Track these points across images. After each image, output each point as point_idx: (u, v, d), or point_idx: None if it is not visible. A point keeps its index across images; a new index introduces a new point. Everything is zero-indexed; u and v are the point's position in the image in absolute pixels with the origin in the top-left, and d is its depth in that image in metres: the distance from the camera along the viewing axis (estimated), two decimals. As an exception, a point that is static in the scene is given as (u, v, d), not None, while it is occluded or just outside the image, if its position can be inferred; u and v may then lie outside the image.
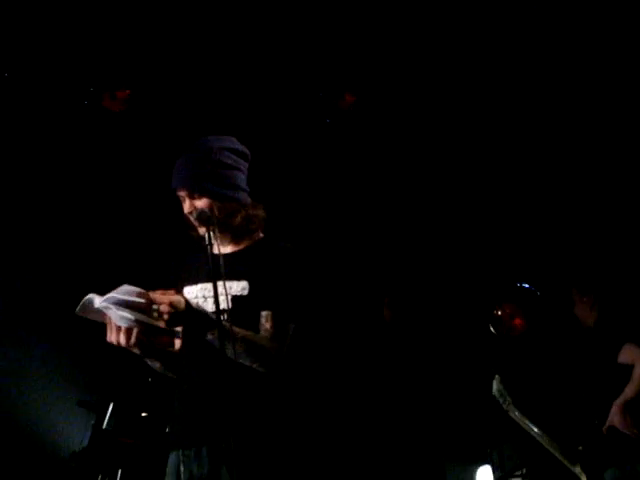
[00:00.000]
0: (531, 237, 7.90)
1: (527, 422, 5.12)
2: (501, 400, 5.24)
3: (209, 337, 3.05)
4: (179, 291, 3.22)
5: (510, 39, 6.67)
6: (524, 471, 7.39)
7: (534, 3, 6.28)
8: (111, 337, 3.03)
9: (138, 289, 2.95)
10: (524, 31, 6.59)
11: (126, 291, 2.93)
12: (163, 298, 2.95)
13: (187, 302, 3.02)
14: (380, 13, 6.56)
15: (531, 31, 6.58)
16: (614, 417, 4.69)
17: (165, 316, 2.93)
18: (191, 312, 3.01)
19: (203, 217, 3.24)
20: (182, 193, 3.37)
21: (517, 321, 7.89)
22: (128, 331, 3.01)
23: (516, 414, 5.17)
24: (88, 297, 2.94)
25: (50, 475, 6.99)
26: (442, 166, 7.78)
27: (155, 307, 2.95)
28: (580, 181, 7.47)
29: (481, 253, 8.14)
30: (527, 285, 7.88)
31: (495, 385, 5.29)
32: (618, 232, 7.32)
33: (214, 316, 3.02)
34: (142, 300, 2.93)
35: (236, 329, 3.05)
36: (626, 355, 4.81)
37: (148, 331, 3.07)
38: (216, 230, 3.21)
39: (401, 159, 7.75)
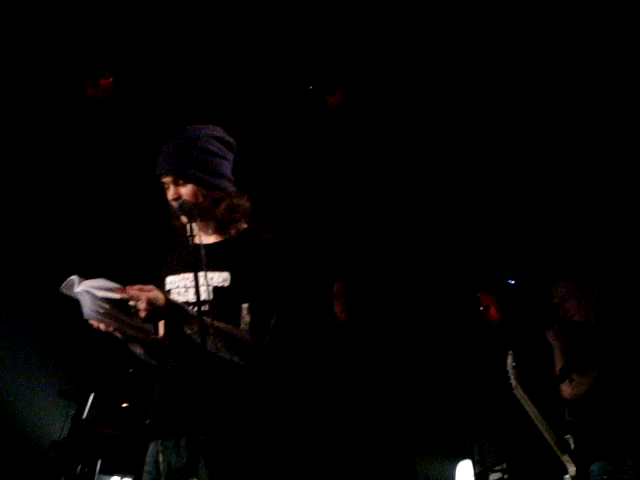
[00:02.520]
0: (508, 230, 7.94)
1: (529, 403, 5.15)
2: (512, 376, 5.28)
3: (188, 332, 3.05)
4: (158, 286, 3.20)
5: (505, 34, 6.68)
6: (504, 466, 7.42)
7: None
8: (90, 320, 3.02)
9: (115, 284, 2.94)
10: (519, 26, 6.60)
11: (103, 286, 2.92)
12: (141, 294, 2.93)
13: (166, 298, 3.01)
14: (373, 9, 6.57)
15: (528, 28, 6.59)
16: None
17: (143, 313, 2.92)
18: (170, 308, 3.01)
19: (185, 208, 3.22)
20: (167, 179, 3.34)
21: (492, 313, 7.92)
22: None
23: (521, 393, 5.20)
24: (72, 278, 2.93)
25: (29, 464, 6.97)
26: (421, 161, 7.80)
27: (132, 303, 2.94)
28: (566, 172, 7.49)
29: (459, 246, 8.17)
30: (509, 280, 7.91)
31: (509, 360, 5.32)
32: (613, 227, 7.36)
33: (194, 311, 3.02)
34: (118, 296, 2.92)
35: (216, 323, 3.03)
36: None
37: (123, 325, 3.05)
38: (198, 221, 3.20)
39: (381, 153, 7.76)
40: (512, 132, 7.48)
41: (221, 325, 3.08)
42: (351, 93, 7.33)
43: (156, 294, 2.97)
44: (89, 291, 2.90)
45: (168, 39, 6.77)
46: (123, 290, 2.94)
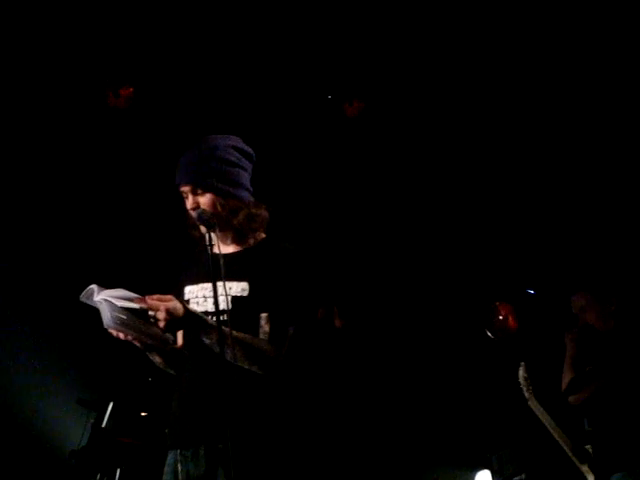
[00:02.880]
0: (521, 240, 7.92)
1: (544, 413, 5.15)
2: (524, 388, 5.27)
3: (207, 341, 3.06)
4: (177, 295, 3.21)
5: (512, 43, 6.68)
6: (523, 476, 7.37)
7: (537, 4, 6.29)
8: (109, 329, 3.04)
9: (134, 294, 2.95)
10: (526, 36, 6.60)
11: (122, 295, 2.93)
12: (160, 304, 2.95)
13: (185, 308, 3.03)
14: (388, 19, 6.58)
15: (535, 36, 6.58)
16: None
17: (162, 323, 2.95)
18: (189, 318, 3.02)
19: (204, 217, 3.22)
20: (185, 189, 3.35)
21: (510, 322, 7.89)
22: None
23: (535, 404, 5.20)
24: (91, 287, 2.95)
25: (49, 473, 7.00)
26: (437, 169, 7.80)
27: (152, 313, 2.96)
28: (579, 183, 7.47)
29: (474, 257, 8.15)
30: (528, 289, 7.88)
31: (521, 372, 5.33)
32: (632, 236, 7.32)
33: (213, 321, 3.03)
34: (137, 306, 2.94)
35: (235, 333, 3.04)
36: None
37: (142, 334, 3.06)
38: (217, 230, 3.21)
39: (398, 164, 7.76)
40: (532, 141, 7.47)
41: (240, 335, 3.08)
42: (369, 103, 7.34)
43: (175, 304, 2.99)
44: (108, 300, 2.91)
45: (188, 50, 6.80)
46: (142, 300, 2.95)
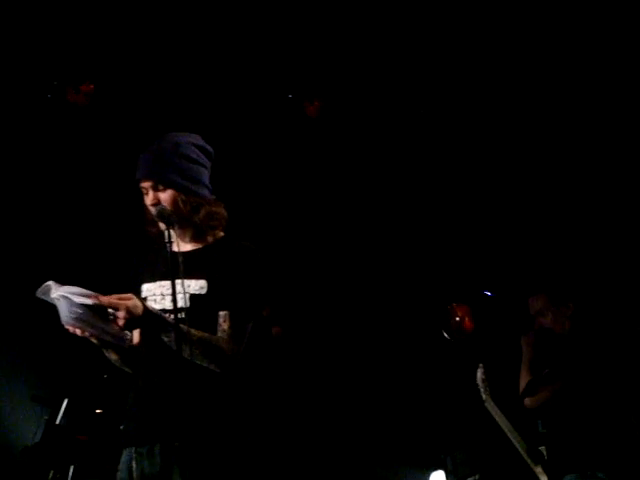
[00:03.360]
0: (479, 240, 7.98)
1: (500, 415, 5.19)
2: (482, 389, 5.31)
3: (165, 339, 3.06)
4: (136, 293, 3.20)
5: (498, 36, 6.70)
6: (477, 477, 7.42)
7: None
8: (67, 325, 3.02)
9: (91, 292, 2.94)
10: (514, 27, 6.62)
11: (80, 292, 2.92)
12: (120, 303, 2.94)
13: (144, 306, 3.02)
14: (354, 15, 6.59)
15: (526, 28, 6.61)
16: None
17: (121, 321, 2.94)
18: (148, 317, 3.01)
19: (164, 214, 3.21)
20: (146, 184, 3.33)
21: (466, 323, 7.94)
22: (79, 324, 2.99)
23: (492, 405, 5.23)
24: (48, 283, 2.92)
25: (1, 470, 6.92)
26: (399, 169, 7.83)
27: (111, 311, 2.95)
28: (543, 183, 7.53)
29: (432, 257, 8.19)
30: (485, 291, 7.93)
31: (479, 373, 5.36)
32: (591, 239, 7.39)
33: (171, 319, 3.02)
34: (96, 302, 2.92)
35: (193, 331, 3.03)
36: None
37: (100, 331, 3.05)
38: (176, 228, 3.20)
39: (358, 163, 7.78)
40: (493, 143, 7.52)
41: (198, 333, 3.08)
42: (330, 102, 7.35)
43: (135, 302, 2.98)
44: (66, 296, 2.90)
45: (148, 47, 6.77)
46: (99, 297, 2.94)
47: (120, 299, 2.97)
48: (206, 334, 3.13)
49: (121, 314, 2.93)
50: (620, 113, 7.02)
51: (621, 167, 7.28)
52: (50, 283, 2.93)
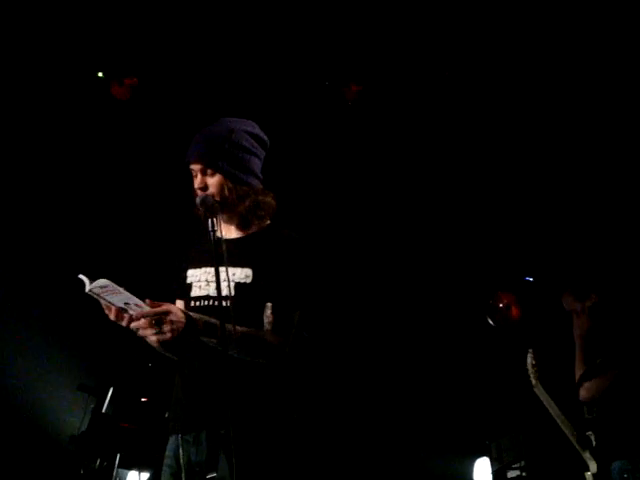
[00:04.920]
0: (524, 228, 7.91)
1: (549, 400, 5.16)
2: (531, 375, 5.28)
3: (210, 344, 3.05)
4: (180, 278, 3.27)
5: (513, 34, 6.67)
6: (522, 463, 7.39)
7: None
8: (111, 316, 3.01)
9: (141, 303, 2.93)
10: (526, 29, 6.59)
11: (128, 297, 2.91)
12: (163, 319, 2.92)
13: (187, 318, 2.98)
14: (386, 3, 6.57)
15: (535, 31, 6.58)
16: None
17: (166, 335, 2.93)
18: (191, 328, 2.99)
19: (207, 204, 3.20)
20: (195, 167, 3.33)
21: (513, 311, 7.88)
22: (118, 315, 2.96)
23: (541, 391, 5.21)
24: (103, 280, 2.88)
25: (49, 458, 7.00)
26: (439, 157, 7.78)
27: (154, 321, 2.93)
28: (580, 173, 7.45)
29: (476, 246, 8.14)
30: (524, 276, 7.87)
31: (529, 359, 5.33)
32: (615, 236, 7.30)
33: (215, 321, 2.99)
34: (146, 309, 2.92)
35: (238, 328, 3.01)
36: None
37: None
38: (221, 215, 3.20)
39: (403, 151, 7.74)
40: (530, 129, 7.45)
41: (242, 330, 3.05)
42: (367, 86, 7.32)
43: (177, 316, 2.95)
44: (120, 291, 2.89)
45: (189, 40, 6.80)
46: (143, 312, 2.93)
47: (162, 311, 2.94)
48: (251, 330, 3.12)
49: (166, 328, 2.91)
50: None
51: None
52: (104, 281, 2.90)
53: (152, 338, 2.98)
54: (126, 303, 2.92)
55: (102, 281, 2.86)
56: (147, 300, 2.93)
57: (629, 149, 7.17)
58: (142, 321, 2.91)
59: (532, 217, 7.89)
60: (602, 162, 7.34)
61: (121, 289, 2.89)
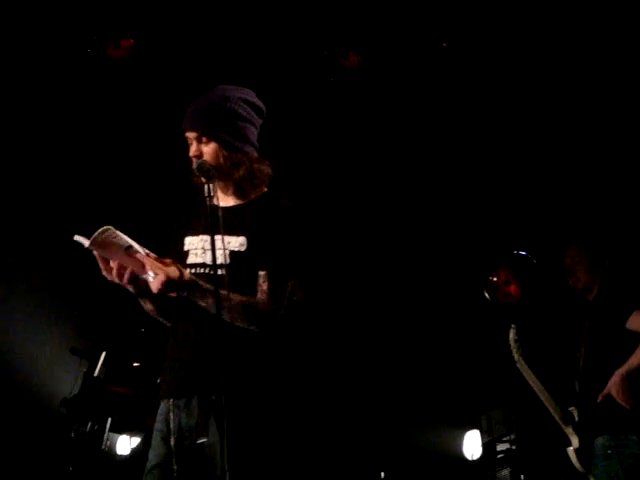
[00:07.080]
0: (525, 204, 7.89)
1: (532, 375, 5.18)
2: (514, 350, 5.30)
3: (203, 304, 3.08)
4: (177, 245, 3.28)
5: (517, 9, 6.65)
6: (512, 436, 7.43)
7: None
8: (105, 273, 3.04)
9: (142, 251, 2.95)
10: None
11: (130, 242, 2.93)
12: (160, 268, 2.96)
13: (182, 274, 3.03)
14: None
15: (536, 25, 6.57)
16: (613, 386, 4.67)
17: (157, 284, 2.95)
18: (185, 284, 3.04)
19: (204, 168, 3.19)
20: (191, 135, 3.32)
21: (512, 287, 7.87)
22: (120, 269, 3.01)
23: (523, 366, 5.23)
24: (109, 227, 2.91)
25: (40, 420, 7.03)
26: (439, 132, 7.75)
27: (151, 273, 2.96)
28: (582, 146, 7.45)
29: (474, 222, 8.13)
30: (523, 252, 7.86)
31: (511, 334, 5.34)
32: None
33: (209, 286, 3.02)
34: (143, 251, 2.94)
35: (232, 295, 3.02)
36: (636, 322, 4.74)
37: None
38: (217, 182, 3.19)
39: (402, 124, 7.71)
40: (529, 106, 7.44)
41: (237, 297, 3.07)
42: (367, 56, 7.28)
43: (174, 269, 3.00)
44: (121, 235, 2.91)
45: (187, 3, 6.75)
46: (145, 259, 2.96)
47: (161, 263, 2.99)
48: (245, 297, 3.12)
49: (160, 278, 2.93)
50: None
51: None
52: (110, 228, 2.92)
53: (152, 282, 2.99)
54: (128, 248, 2.94)
55: (103, 228, 2.88)
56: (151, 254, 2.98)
57: (628, 126, 7.17)
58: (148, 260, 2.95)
59: (533, 197, 7.87)
60: (602, 145, 7.34)
61: (122, 234, 2.91)
